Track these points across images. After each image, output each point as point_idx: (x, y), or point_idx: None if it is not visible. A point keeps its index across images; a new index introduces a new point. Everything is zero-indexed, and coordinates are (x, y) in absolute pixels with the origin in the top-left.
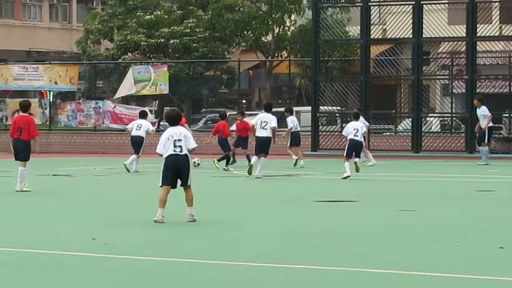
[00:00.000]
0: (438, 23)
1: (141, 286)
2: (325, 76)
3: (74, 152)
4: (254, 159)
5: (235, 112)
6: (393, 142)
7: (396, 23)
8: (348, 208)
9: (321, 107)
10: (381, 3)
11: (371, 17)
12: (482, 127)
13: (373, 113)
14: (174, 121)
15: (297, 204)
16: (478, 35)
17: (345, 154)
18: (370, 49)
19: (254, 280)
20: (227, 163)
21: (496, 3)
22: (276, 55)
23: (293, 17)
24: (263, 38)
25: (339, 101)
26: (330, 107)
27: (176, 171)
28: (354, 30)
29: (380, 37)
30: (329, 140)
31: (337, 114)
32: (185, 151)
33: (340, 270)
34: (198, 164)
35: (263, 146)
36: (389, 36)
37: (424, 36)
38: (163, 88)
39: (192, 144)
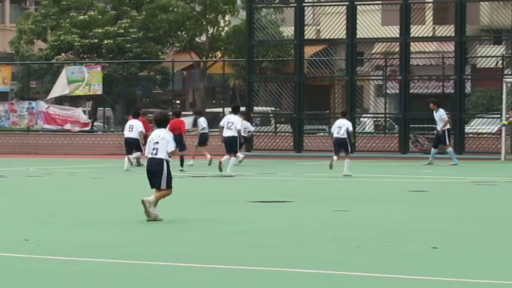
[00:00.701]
0: (372, 24)
1: (74, 287)
2: (259, 76)
3: (7, 153)
4: (225, 157)
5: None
6: (327, 142)
7: (330, 24)
8: (283, 208)
9: (255, 108)
10: (315, 4)
11: (305, 18)
12: (439, 129)
13: (307, 114)
14: (160, 123)
15: (232, 204)
16: (411, 36)
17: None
18: (304, 49)
19: (186, 281)
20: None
21: (430, 4)
22: (210, 55)
23: (227, 17)
24: (197, 39)
25: (273, 102)
26: (264, 108)
27: (150, 174)
28: (288, 31)
29: (314, 37)
30: (263, 140)
31: (271, 115)
32: (160, 155)
33: (276, 271)
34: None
35: (230, 146)
36: (323, 37)
37: (358, 36)
38: (97, 88)
39: (171, 147)
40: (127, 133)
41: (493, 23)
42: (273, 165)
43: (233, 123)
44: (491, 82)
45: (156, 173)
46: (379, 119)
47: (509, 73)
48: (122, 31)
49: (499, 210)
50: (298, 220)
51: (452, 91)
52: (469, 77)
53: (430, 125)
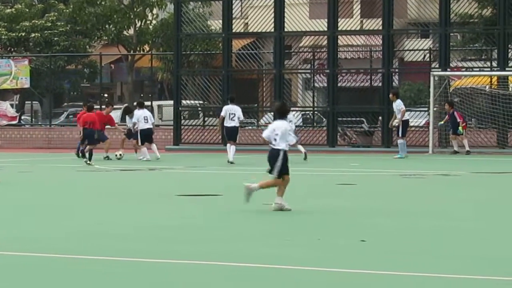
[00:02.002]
0: (300, 17)
1: None
2: (187, 70)
3: None
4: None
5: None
6: (255, 136)
7: (258, 17)
8: (212, 202)
9: (183, 101)
10: None
11: (233, 11)
12: (396, 121)
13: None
14: (281, 114)
15: (160, 198)
16: (339, 29)
17: None
18: (232, 43)
19: (115, 275)
20: (89, 158)
21: None
22: (138, 49)
23: (155, 11)
24: (124, 32)
25: (201, 95)
26: (192, 101)
27: (268, 161)
28: (216, 24)
29: (242, 31)
30: (191, 134)
31: (199, 108)
32: (278, 145)
33: (207, 265)
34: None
35: (232, 135)
36: (251, 30)
37: (285, 30)
38: (24, 82)
39: (291, 140)
40: (143, 124)
41: (420, 16)
42: (202, 159)
43: (235, 114)
44: (419, 76)
45: (272, 162)
46: (307, 112)
47: (437, 66)
48: (50, 24)
49: (427, 203)
50: (226, 214)
51: (380, 84)
52: (396, 70)
53: (358, 118)
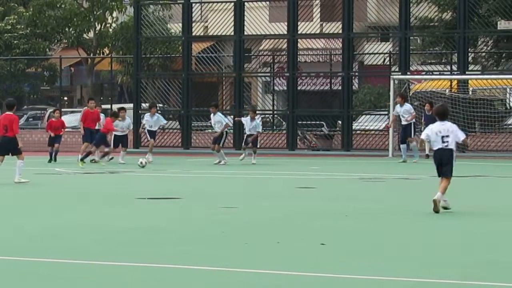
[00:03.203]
0: (260, 21)
1: None
2: (146, 73)
3: None
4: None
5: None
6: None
7: (217, 21)
8: (171, 205)
9: (143, 104)
10: (203, 1)
11: (193, 14)
12: (406, 123)
13: (195, 110)
14: (441, 116)
15: (119, 200)
16: (299, 32)
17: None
18: (192, 46)
19: (61, 277)
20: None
21: (317, 1)
22: (98, 52)
23: (114, 14)
24: (84, 35)
25: (161, 99)
26: None
27: (440, 163)
28: (176, 27)
29: (201, 34)
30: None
31: (159, 111)
32: (451, 146)
33: (163, 267)
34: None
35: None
36: (210, 33)
37: (245, 33)
38: None
39: (461, 136)
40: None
41: (380, 20)
42: (162, 162)
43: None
44: (379, 79)
45: (447, 162)
46: (267, 115)
47: (397, 70)
48: (9, 27)
49: (387, 206)
50: (186, 217)
51: (340, 88)
52: (356, 74)
53: (317, 122)
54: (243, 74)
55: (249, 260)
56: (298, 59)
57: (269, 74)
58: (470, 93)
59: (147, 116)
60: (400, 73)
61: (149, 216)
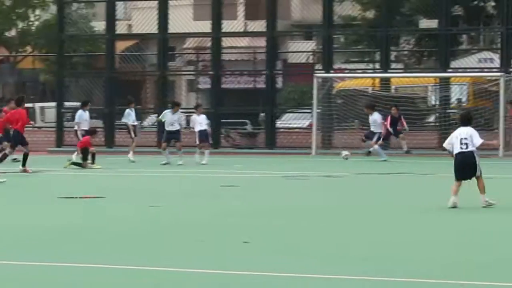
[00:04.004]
0: (184, 19)
1: None
2: (70, 71)
3: None
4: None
5: None
6: (138, 137)
7: (141, 19)
8: (94, 204)
9: (66, 103)
10: None
11: (116, 13)
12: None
13: (118, 109)
14: (465, 120)
15: (41, 200)
16: (223, 31)
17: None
18: (116, 44)
19: None
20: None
21: (241, 0)
22: (20, 50)
23: (37, 11)
24: (6, 33)
25: (85, 97)
26: (75, 103)
27: (463, 167)
28: (99, 26)
29: (125, 32)
30: (74, 136)
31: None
32: (470, 148)
33: (84, 267)
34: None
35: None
36: (134, 32)
37: (169, 31)
38: None
39: (477, 142)
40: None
41: (304, 18)
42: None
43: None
44: (302, 77)
45: (471, 165)
46: (191, 114)
47: (320, 68)
48: None
49: (310, 204)
50: (109, 216)
51: (264, 86)
52: (280, 72)
53: (241, 120)
54: (167, 73)
55: (173, 258)
56: (222, 58)
57: (193, 73)
58: (393, 91)
59: (127, 112)
60: (323, 71)
61: (73, 215)
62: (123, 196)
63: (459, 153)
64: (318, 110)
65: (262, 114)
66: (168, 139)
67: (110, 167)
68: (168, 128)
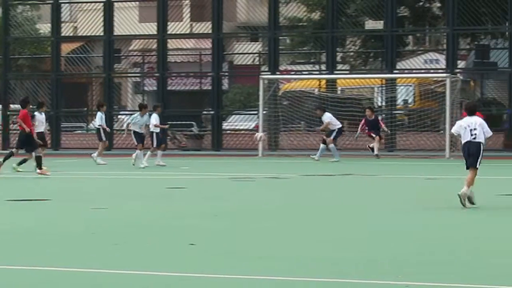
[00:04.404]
0: (129, 21)
1: None
2: (15, 74)
3: None
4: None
5: None
6: (85, 140)
7: (87, 21)
8: (41, 207)
9: (12, 106)
10: (72, 1)
11: (62, 15)
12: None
13: (64, 111)
14: (471, 111)
15: None
16: (169, 33)
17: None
18: (61, 46)
19: None
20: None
21: (187, 2)
22: None
23: None
24: None
25: (30, 99)
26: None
27: (468, 154)
28: (45, 28)
29: (71, 34)
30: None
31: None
32: (479, 139)
33: (30, 270)
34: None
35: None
36: (80, 34)
37: (115, 33)
38: None
39: (488, 132)
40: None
41: (250, 20)
42: (30, 163)
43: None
44: (249, 79)
45: (475, 154)
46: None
47: (266, 69)
48: None
49: (256, 206)
50: (55, 218)
51: (210, 87)
52: (226, 74)
53: (187, 122)
54: (113, 75)
55: (119, 261)
56: (168, 59)
57: (139, 75)
58: (339, 92)
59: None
60: (269, 73)
61: (17, 218)
62: (68, 199)
63: (467, 142)
64: (264, 112)
65: (204, 112)
66: (142, 141)
67: (56, 169)
68: (139, 130)
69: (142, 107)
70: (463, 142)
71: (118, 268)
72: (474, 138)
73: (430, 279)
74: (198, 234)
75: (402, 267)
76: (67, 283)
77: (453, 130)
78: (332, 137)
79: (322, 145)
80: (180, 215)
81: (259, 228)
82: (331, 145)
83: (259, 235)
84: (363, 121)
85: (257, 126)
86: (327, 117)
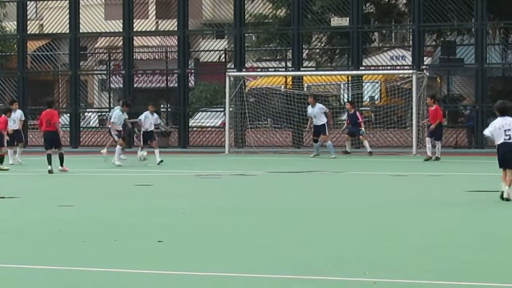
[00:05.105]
0: (95, 18)
1: None
2: None
3: None
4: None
5: None
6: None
7: (53, 18)
8: (6, 204)
9: None
10: None
11: (28, 12)
12: (320, 123)
13: (31, 109)
14: (503, 111)
15: None
16: (135, 30)
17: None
18: (27, 44)
19: None
20: None
21: None
22: None
23: None
24: None
25: None
26: None
27: (503, 155)
28: (10, 26)
29: (37, 32)
30: None
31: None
32: None
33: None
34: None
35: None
36: (46, 31)
37: (81, 31)
38: None
39: None
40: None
41: (215, 17)
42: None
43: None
44: (215, 76)
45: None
46: (103, 113)
47: (232, 67)
48: None
49: (223, 203)
50: (22, 216)
51: (176, 85)
52: (192, 71)
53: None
54: (79, 72)
55: (86, 258)
56: (134, 57)
57: (105, 72)
58: (305, 89)
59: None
60: (235, 70)
61: None
62: (35, 196)
63: (503, 143)
64: (231, 109)
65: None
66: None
67: (22, 167)
68: (120, 128)
69: (124, 104)
70: (497, 143)
71: (86, 265)
72: (509, 139)
73: (398, 276)
74: (166, 231)
75: (370, 264)
76: (35, 280)
77: (487, 132)
78: (326, 132)
79: (316, 144)
80: (148, 213)
81: (227, 226)
82: (329, 142)
83: (226, 233)
84: (346, 115)
85: (223, 124)
86: (323, 106)
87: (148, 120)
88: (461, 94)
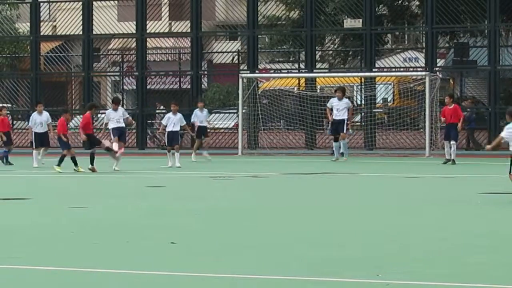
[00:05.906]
0: (108, 20)
1: None
2: None
3: None
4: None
5: None
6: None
7: (66, 20)
8: (21, 206)
9: None
10: (51, 0)
11: (41, 14)
12: (339, 118)
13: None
14: None
15: None
16: (147, 31)
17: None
18: (40, 45)
19: None
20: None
21: (166, 0)
22: None
23: None
24: None
25: (10, 99)
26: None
27: None
28: (24, 27)
29: (50, 33)
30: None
31: (8, 112)
32: None
33: (12, 269)
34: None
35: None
36: (59, 33)
37: (94, 32)
38: None
39: None
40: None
41: (228, 19)
42: (12, 162)
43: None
44: (228, 78)
45: None
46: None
47: (245, 68)
48: None
49: (236, 204)
50: (35, 217)
51: (189, 86)
52: (205, 72)
53: (153, 121)
54: (92, 74)
55: (99, 260)
56: (147, 58)
57: (118, 74)
58: (318, 91)
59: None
60: (248, 72)
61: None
62: (48, 198)
63: None
64: (244, 110)
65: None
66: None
67: (36, 169)
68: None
69: (115, 102)
70: (511, 149)
71: (98, 267)
72: None
73: (411, 278)
74: (178, 232)
75: (383, 266)
76: (46, 282)
77: (504, 136)
78: (344, 130)
79: (336, 143)
80: (160, 214)
81: (240, 227)
82: (345, 141)
83: (239, 234)
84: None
85: (236, 125)
86: (348, 101)
87: (171, 120)
88: (473, 96)
